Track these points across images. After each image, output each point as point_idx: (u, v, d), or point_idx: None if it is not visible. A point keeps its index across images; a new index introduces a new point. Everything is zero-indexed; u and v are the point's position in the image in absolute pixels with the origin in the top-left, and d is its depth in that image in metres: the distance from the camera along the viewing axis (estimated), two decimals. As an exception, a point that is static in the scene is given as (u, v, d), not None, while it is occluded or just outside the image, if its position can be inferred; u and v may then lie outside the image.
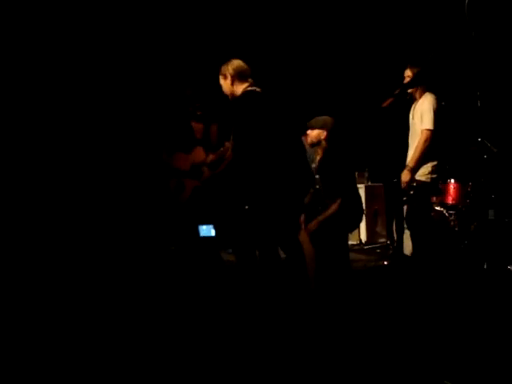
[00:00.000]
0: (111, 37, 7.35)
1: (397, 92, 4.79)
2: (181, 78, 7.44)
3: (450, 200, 6.45)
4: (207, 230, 5.52)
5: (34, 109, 7.01)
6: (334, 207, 4.93)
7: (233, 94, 4.52)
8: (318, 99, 7.75)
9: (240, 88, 4.47)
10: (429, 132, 5.05)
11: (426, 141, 5.05)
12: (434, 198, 6.66)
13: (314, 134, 5.09)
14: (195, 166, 5.85)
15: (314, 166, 5.22)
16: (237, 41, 7.31)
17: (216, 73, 4.62)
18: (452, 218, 6.41)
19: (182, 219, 5.86)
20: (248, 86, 4.46)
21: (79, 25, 7.08)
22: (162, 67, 7.59)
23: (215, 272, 5.78)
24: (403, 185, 5.14)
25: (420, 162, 5.11)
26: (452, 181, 6.45)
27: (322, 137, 5.07)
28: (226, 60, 4.58)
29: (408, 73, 5.22)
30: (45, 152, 7.06)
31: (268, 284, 4.46)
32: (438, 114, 5.10)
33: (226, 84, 4.53)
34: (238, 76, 4.47)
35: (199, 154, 5.90)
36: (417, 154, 5.09)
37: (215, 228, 5.72)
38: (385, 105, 4.19)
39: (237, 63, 4.50)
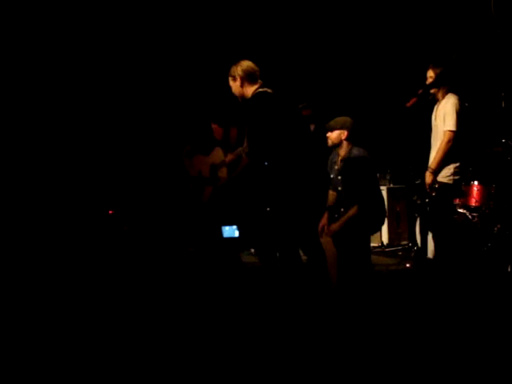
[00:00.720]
0: (131, 39, 7.38)
1: (420, 92, 4.73)
2: (200, 80, 7.45)
3: (473, 202, 6.37)
4: (230, 231, 5.50)
5: (53, 111, 7.06)
6: (352, 211, 4.90)
7: (242, 96, 4.49)
8: (341, 99, 7.72)
9: (250, 90, 4.44)
10: (451, 133, 4.99)
11: (448, 142, 4.99)
12: (457, 200, 6.59)
13: (334, 135, 5.06)
14: (214, 167, 5.84)
15: (336, 167, 5.17)
16: (254, 41, 7.30)
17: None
18: (475, 220, 6.34)
19: (203, 220, 5.85)
20: (258, 88, 4.42)
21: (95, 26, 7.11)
22: (181, 70, 7.59)
23: (233, 274, 5.76)
24: (426, 187, 5.09)
25: (442, 163, 5.05)
26: (475, 183, 6.37)
27: (343, 137, 5.04)
28: (239, 60, 4.55)
29: (430, 73, 5.16)
30: (64, 153, 7.09)
31: (289, 286, 4.43)
32: (461, 115, 5.03)
33: (235, 85, 4.49)
34: (248, 77, 4.43)
35: (218, 154, 5.90)
36: (439, 156, 5.03)
37: (239, 229, 5.70)
38: (408, 105, 4.13)
39: (246, 64, 4.45)
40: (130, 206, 7.31)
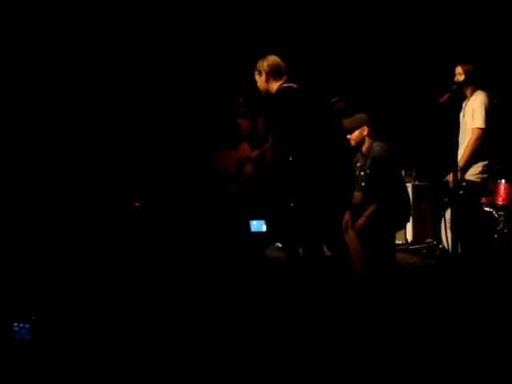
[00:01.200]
0: (159, 37, 7.41)
1: (454, 87, 4.67)
2: (227, 75, 7.46)
3: (499, 201, 6.32)
4: (258, 225, 5.49)
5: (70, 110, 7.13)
6: (373, 206, 4.89)
7: (267, 91, 4.50)
8: (373, 94, 7.68)
9: (275, 85, 4.44)
10: (480, 131, 4.90)
11: (476, 139, 4.91)
12: (484, 199, 6.53)
13: (354, 135, 5.04)
14: (240, 163, 5.85)
15: (358, 164, 5.15)
16: (283, 34, 7.28)
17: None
18: (502, 219, 6.29)
19: (228, 215, 5.87)
20: (283, 83, 4.42)
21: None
22: (209, 65, 7.61)
23: (258, 268, 5.77)
24: (450, 184, 5.02)
25: (470, 161, 4.97)
26: (502, 181, 6.31)
27: (365, 133, 5.03)
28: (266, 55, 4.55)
29: (459, 70, 5.07)
30: (92, 146, 7.16)
31: (312, 281, 4.43)
32: (490, 112, 4.94)
33: (260, 80, 4.50)
34: (273, 73, 4.43)
35: (245, 150, 5.91)
36: (467, 153, 4.95)
37: (266, 223, 5.70)
38: (442, 100, 4.08)
39: (272, 60, 4.46)
40: (157, 198, 7.36)
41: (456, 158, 5.00)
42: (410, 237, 7.70)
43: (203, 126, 7.02)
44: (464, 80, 4.92)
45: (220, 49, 7.70)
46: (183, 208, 7.18)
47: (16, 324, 3.40)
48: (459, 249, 5.11)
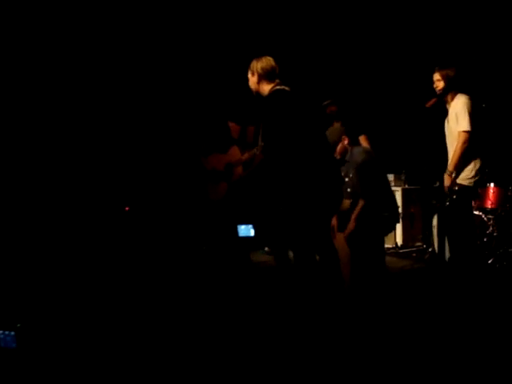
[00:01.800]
0: (148, 39, 7.41)
1: (440, 92, 4.66)
2: (218, 79, 7.46)
3: (488, 204, 6.34)
4: (246, 230, 5.48)
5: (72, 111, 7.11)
6: (359, 205, 4.90)
7: (257, 92, 4.50)
8: (363, 98, 7.70)
9: (266, 87, 4.43)
10: (466, 134, 4.84)
11: (464, 143, 4.84)
12: (473, 202, 6.56)
13: (338, 148, 5.05)
14: (230, 166, 5.85)
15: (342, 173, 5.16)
16: (276, 38, 7.29)
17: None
18: (491, 222, 6.31)
19: (218, 219, 5.87)
20: (275, 86, 4.41)
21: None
22: (200, 69, 7.60)
23: (243, 273, 5.76)
24: (445, 189, 4.99)
25: (460, 165, 4.95)
26: (491, 185, 6.34)
27: (346, 142, 5.03)
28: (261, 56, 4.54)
29: (437, 76, 5.01)
30: (81, 150, 7.14)
31: (302, 285, 4.43)
32: (474, 114, 4.89)
33: (252, 80, 4.49)
34: (266, 75, 4.42)
35: (235, 153, 5.90)
36: (456, 158, 4.92)
37: (254, 228, 5.69)
38: (428, 105, 4.07)
39: (266, 62, 4.45)
40: (146, 202, 7.34)
41: (447, 163, 5.00)
42: (399, 240, 7.71)
43: (193, 130, 7.01)
44: (447, 85, 4.90)
45: (210, 53, 7.70)
46: (173, 212, 7.16)
47: (1, 331, 3.38)
48: (448, 253, 5.15)
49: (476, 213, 6.47)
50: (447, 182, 4.95)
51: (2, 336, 3.36)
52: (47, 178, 6.83)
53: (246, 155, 5.66)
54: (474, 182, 4.98)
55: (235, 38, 7.64)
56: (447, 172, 4.96)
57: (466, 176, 4.95)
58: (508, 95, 6.64)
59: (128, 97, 7.47)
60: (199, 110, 7.28)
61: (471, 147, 4.89)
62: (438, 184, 5.08)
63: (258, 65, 4.43)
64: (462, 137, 4.83)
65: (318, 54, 7.83)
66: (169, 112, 7.53)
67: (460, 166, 4.93)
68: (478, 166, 4.98)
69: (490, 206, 6.34)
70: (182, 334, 4.05)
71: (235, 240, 5.58)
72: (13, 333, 3.41)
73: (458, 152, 4.88)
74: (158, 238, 7.03)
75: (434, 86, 4.99)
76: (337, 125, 5.18)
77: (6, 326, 3.45)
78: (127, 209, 7.21)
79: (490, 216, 6.34)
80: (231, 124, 6.03)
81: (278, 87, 4.39)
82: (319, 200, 4.31)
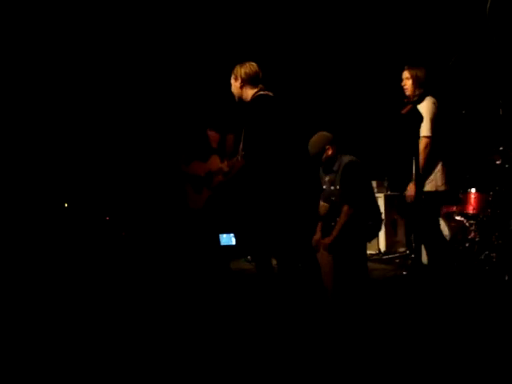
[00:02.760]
0: (128, 43, 7.37)
1: (415, 99, 4.63)
2: (197, 87, 7.45)
3: (470, 209, 6.36)
4: (228, 239, 5.47)
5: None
6: (343, 215, 4.87)
7: (240, 97, 4.50)
8: (338, 106, 7.72)
9: (249, 92, 4.45)
10: (427, 139, 4.67)
11: (424, 149, 4.65)
12: (454, 208, 6.57)
13: (323, 158, 5.03)
14: (210, 174, 5.82)
15: (327, 179, 5.13)
16: (251, 46, 7.29)
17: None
18: (472, 228, 6.32)
19: (198, 228, 5.83)
20: (258, 91, 4.42)
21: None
22: (178, 77, 7.59)
23: (223, 281, 5.74)
24: (409, 199, 4.87)
25: (424, 171, 4.73)
26: (473, 190, 6.36)
27: (330, 152, 5.00)
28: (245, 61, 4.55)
29: (406, 74, 4.92)
30: (61, 159, 7.09)
31: (286, 293, 4.41)
32: (437, 119, 4.74)
33: (235, 85, 4.51)
34: (249, 80, 4.44)
35: (216, 162, 5.87)
36: (419, 165, 4.69)
37: (236, 236, 5.67)
38: (404, 111, 4.02)
39: (250, 68, 4.46)
40: (127, 212, 7.30)
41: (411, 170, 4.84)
42: (382, 247, 7.73)
43: (173, 138, 6.98)
44: (415, 85, 4.82)
45: (190, 62, 7.69)
46: (153, 220, 7.13)
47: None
48: (425, 259, 5.11)
49: (458, 218, 6.49)
50: (411, 191, 4.79)
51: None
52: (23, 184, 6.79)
53: (226, 163, 5.62)
54: (442, 187, 4.78)
55: (215, 46, 7.63)
56: (412, 181, 4.81)
57: (431, 182, 4.80)
58: (488, 101, 6.67)
59: (109, 105, 7.44)
60: (179, 119, 7.25)
61: (434, 153, 4.74)
62: (405, 193, 4.95)
63: (241, 70, 4.46)
64: (423, 142, 4.63)
65: (298, 62, 7.83)
66: (149, 120, 7.50)
67: (424, 173, 4.72)
68: (442, 171, 4.79)
69: (471, 212, 6.36)
70: (165, 340, 4.01)
71: (216, 248, 5.55)
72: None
73: (420, 158, 4.67)
74: (138, 246, 6.99)
75: (402, 83, 4.91)
76: (321, 133, 5.14)
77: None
78: (107, 218, 7.17)
79: (472, 221, 6.35)
80: (210, 132, 6.00)
81: (261, 92, 4.39)
82: (296, 207, 4.30)
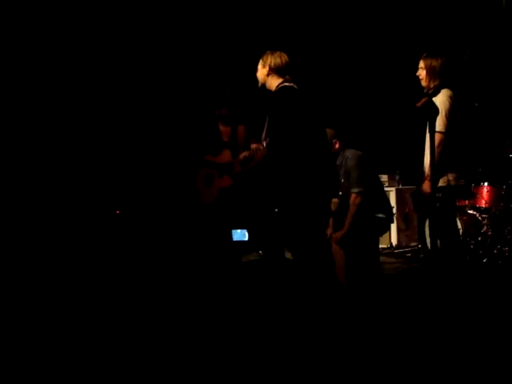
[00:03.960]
0: (135, 43, 7.38)
1: (431, 91, 4.54)
2: (208, 82, 7.43)
3: (482, 203, 6.33)
4: (241, 235, 5.47)
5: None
6: (351, 207, 4.87)
7: (264, 84, 4.50)
8: (352, 100, 7.69)
9: (275, 82, 4.44)
10: (440, 135, 4.49)
11: (438, 145, 4.43)
12: (467, 202, 6.55)
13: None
14: (222, 167, 5.81)
15: None
16: (260, 40, 7.27)
17: (240, 73, 4.59)
18: (485, 221, 6.30)
19: (210, 222, 5.82)
20: (284, 82, 4.42)
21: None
22: (190, 72, 7.58)
23: (236, 276, 5.73)
24: (425, 193, 4.79)
25: (438, 167, 4.63)
26: (485, 184, 6.33)
27: (337, 146, 5.02)
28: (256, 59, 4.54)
29: (421, 64, 4.76)
30: (72, 153, 7.11)
31: (297, 286, 4.41)
32: (452, 114, 4.55)
33: (261, 72, 4.50)
34: (277, 70, 4.43)
35: (227, 156, 5.86)
36: (431, 160, 4.59)
37: (249, 232, 5.67)
38: (419, 105, 3.96)
39: (280, 58, 4.45)
40: (138, 206, 7.31)
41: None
42: (394, 241, 7.71)
43: (186, 133, 6.98)
44: (429, 76, 4.69)
45: (202, 58, 7.68)
46: (165, 215, 7.13)
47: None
48: (439, 252, 5.07)
49: (470, 212, 6.47)
50: (427, 188, 4.68)
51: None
52: (40, 179, 6.80)
53: (245, 153, 5.58)
54: (456, 182, 4.61)
55: (225, 41, 7.62)
56: (427, 178, 4.69)
57: (448, 177, 4.68)
58: (502, 94, 6.64)
59: (121, 100, 7.45)
60: (190, 113, 7.25)
61: (449, 148, 4.58)
62: (417, 189, 4.89)
63: (270, 59, 4.44)
64: (437, 138, 4.37)
65: (309, 55, 7.81)
66: (161, 114, 7.51)
67: (439, 168, 4.49)
68: (456, 166, 4.65)
69: (484, 205, 6.33)
70: (175, 337, 4.02)
71: (229, 244, 5.55)
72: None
73: (434, 154, 4.58)
74: (149, 241, 7.00)
75: (417, 73, 4.78)
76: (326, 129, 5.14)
77: None
78: (118, 212, 7.18)
79: (485, 215, 6.32)
80: (222, 127, 5.98)
81: (286, 84, 4.40)
82: (318, 199, 4.30)
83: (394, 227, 7.49)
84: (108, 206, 7.21)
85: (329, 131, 4.99)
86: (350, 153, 5.01)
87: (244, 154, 5.49)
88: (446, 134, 4.52)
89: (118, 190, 7.29)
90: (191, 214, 6.21)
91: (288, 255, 5.75)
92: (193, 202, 6.00)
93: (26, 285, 5.51)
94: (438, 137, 4.47)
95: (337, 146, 5.00)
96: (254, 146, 5.28)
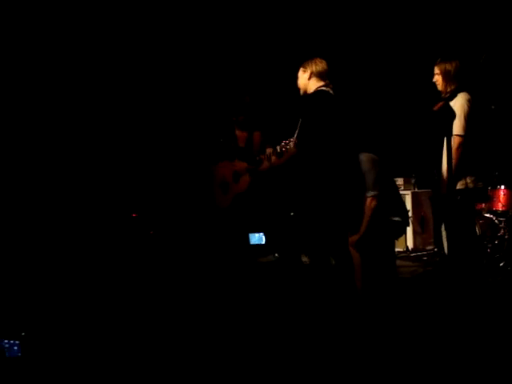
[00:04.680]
0: (151, 48, 7.42)
1: (448, 95, 4.53)
2: (225, 89, 7.45)
3: (499, 206, 6.29)
4: (259, 238, 5.47)
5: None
6: (366, 210, 4.87)
7: (305, 91, 4.61)
8: (369, 103, 7.68)
9: (314, 86, 4.55)
10: (460, 138, 4.52)
11: (457, 148, 4.50)
12: (483, 205, 6.50)
13: None
14: (237, 174, 5.82)
15: None
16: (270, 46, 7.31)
17: (257, 79, 4.64)
18: (502, 225, 6.26)
19: (225, 226, 5.84)
20: (322, 86, 4.53)
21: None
22: (210, 77, 7.61)
23: (254, 278, 5.75)
24: (443, 197, 4.80)
25: (457, 170, 4.52)
26: (502, 187, 6.29)
27: None
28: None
29: (436, 70, 4.79)
30: (89, 156, 7.15)
31: (317, 289, 4.43)
32: (470, 117, 4.57)
33: (302, 78, 4.61)
34: (318, 75, 4.55)
35: (241, 162, 5.88)
36: (452, 163, 4.60)
37: (265, 235, 5.67)
38: (436, 108, 3.96)
39: (322, 64, 4.59)
40: (155, 209, 7.34)
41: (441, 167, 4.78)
42: (410, 244, 7.68)
43: (202, 138, 7.01)
44: (445, 80, 4.70)
45: (218, 62, 7.70)
46: (181, 219, 7.16)
47: (6, 341, 3.38)
48: (455, 256, 5.05)
49: (487, 215, 6.43)
50: (445, 190, 4.70)
51: (7, 345, 3.36)
52: (53, 181, 6.84)
53: (270, 150, 5.53)
54: (474, 185, 4.62)
55: (243, 46, 7.65)
56: (444, 178, 4.67)
57: (465, 180, 4.69)
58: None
59: (139, 103, 7.49)
60: (208, 118, 7.28)
61: (467, 151, 4.58)
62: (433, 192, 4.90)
63: (313, 65, 4.58)
64: (456, 141, 4.48)
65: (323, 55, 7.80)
66: (178, 119, 7.54)
67: (458, 171, 4.57)
68: (475, 169, 4.66)
69: (500, 209, 6.29)
70: (187, 338, 4.05)
71: (246, 247, 5.56)
72: (17, 342, 3.40)
73: (453, 158, 4.59)
74: (165, 244, 7.03)
75: (434, 79, 4.81)
76: None
77: (11, 335, 3.45)
78: (134, 215, 7.21)
79: (501, 218, 6.28)
80: (238, 132, 5.99)
81: (323, 88, 4.51)
82: (339, 205, 4.34)
83: (409, 230, 7.46)
84: (124, 209, 7.25)
85: None
86: (364, 156, 5.00)
87: (269, 150, 5.46)
88: (464, 137, 4.54)
89: (134, 193, 7.33)
90: (206, 218, 6.23)
91: (304, 259, 5.77)
92: (208, 205, 6.03)
93: (34, 284, 5.55)
94: (457, 140, 4.51)
95: None
96: (269, 150, 5.28)
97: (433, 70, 4.80)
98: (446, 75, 4.67)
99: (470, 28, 6.91)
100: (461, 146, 4.52)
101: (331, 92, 4.53)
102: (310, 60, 4.63)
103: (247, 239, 5.43)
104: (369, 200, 4.87)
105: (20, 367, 3.52)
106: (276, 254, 6.94)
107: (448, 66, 4.67)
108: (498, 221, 6.31)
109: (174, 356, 3.76)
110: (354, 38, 7.83)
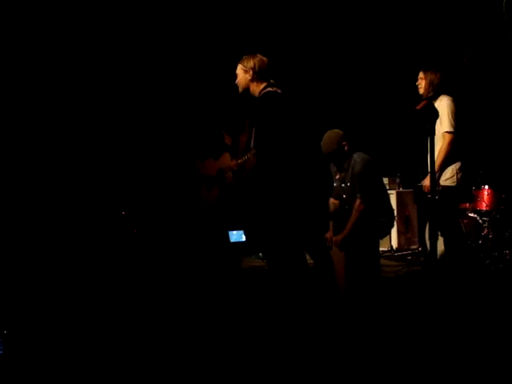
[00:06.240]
0: (140, 47, 7.39)
1: (430, 95, 4.63)
2: (213, 86, 7.44)
3: (483, 206, 6.32)
4: (238, 236, 5.45)
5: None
6: (354, 212, 4.85)
7: (247, 89, 4.40)
8: (349, 104, 7.69)
9: (258, 87, 4.35)
10: (450, 135, 4.78)
11: (448, 144, 4.77)
12: (468, 205, 6.53)
13: (337, 157, 5.01)
14: (221, 171, 5.81)
15: (337, 176, 5.11)
16: (260, 42, 7.28)
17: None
18: (486, 224, 6.29)
19: (208, 224, 5.83)
20: (267, 86, 4.34)
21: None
22: (191, 74, 7.59)
23: (234, 278, 5.73)
24: (425, 189, 4.93)
25: (443, 166, 4.85)
26: (486, 187, 6.32)
27: (346, 149, 4.97)
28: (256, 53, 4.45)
29: (421, 75, 4.99)
30: (78, 155, 7.13)
31: (298, 290, 4.39)
32: (457, 115, 4.82)
33: (244, 77, 4.37)
34: (260, 74, 4.32)
35: (226, 159, 5.86)
36: (440, 159, 4.82)
37: (245, 233, 5.65)
38: (419, 107, 4.00)
39: (262, 61, 4.34)
40: (141, 207, 7.32)
41: (426, 163, 4.89)
42: (394, 243, 7.70)
43: (188, 134, 6.99)
44: (429, 86, 4.85)
45: (206, 60, 7.68)
46: (167, 215, 7.14)
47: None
48: (438, 254, 5.09)
49: (471, 215, 6.46)
50: (427, 181, 4.84)
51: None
52: (44, 180, 6.81)
53: (234, 162, 5.58)
54: (457, 182, 4.85)
55: (231, 45, 7.62)
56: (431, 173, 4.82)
57: (448, 176, 4.86)
58: (502, 97, 6.63)
59: (123, 101, 7.46)
60: (193, 116, 7.26)
61: (454, 148, 4.81)
62: (420, 185, 5.01)
63: (254, 62, 4.32)
64: (447, 138, 4.76)
65: (311, 57, 7.81)
66: (165, 118, 7.52)
67: (443, 167, 4.83)
68: (459, 165, 4.87)
69: (484, 208, 6.32)
70: (173, 339, 4.02)
71: (226, 245, 5.54)
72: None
73: (443, 153, 4.79)
74: (153, 241, 7.01)
75: (417, 83, 4.97)
76: (333, 131, 5.10)
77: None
78: (123, 213, 7.19)
79: (485, 218, 6.31)
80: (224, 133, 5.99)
81: (269, 89, 4.32)
82: (309, 204, 4.29)
83: (394, 230, 7.47)
84: (114, 208, 7.23)
85: (338, 133, 4.97)
86: (358, 157, 4.96)
87: (233, 162, 5.46)
88: (454, 133, 4.74)
89: (121, 191, 7.31)
90: (191, 215, 6.21)
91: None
92: (193, 202, 6.01)
93: (31, 285, 5.52)
94: (448, 137, 4.77)
95: (346, 148, 4.95)
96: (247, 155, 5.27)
97: (416, 70, 4.91)
98: (430, 82, 4.92)
99: (454, 28, 6.93)
100: (451, 142, 4.70)
101: (279, 91, 4.32)
102: (250, 57, 4.35)
103: (228, 237, 5.41)
104: (358, 202, 4.85)
105: (1, 365, 3.48)
106: (260, 254, 6.94)
107: (433, 76, 4.92)
108: (482, 220, 6.34)
109: (159, 355, 3.73)
110: (339, 39, 7.83)
